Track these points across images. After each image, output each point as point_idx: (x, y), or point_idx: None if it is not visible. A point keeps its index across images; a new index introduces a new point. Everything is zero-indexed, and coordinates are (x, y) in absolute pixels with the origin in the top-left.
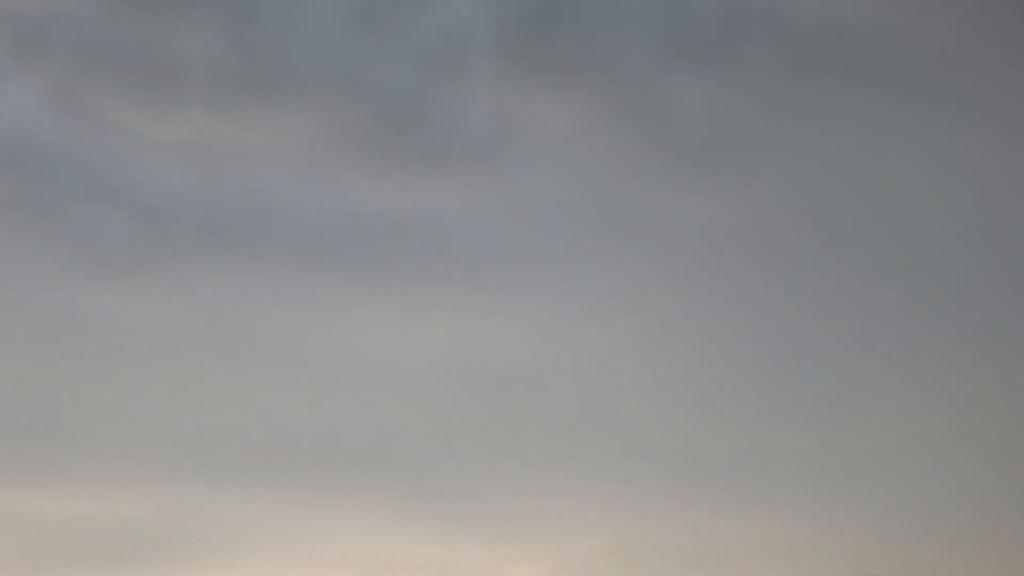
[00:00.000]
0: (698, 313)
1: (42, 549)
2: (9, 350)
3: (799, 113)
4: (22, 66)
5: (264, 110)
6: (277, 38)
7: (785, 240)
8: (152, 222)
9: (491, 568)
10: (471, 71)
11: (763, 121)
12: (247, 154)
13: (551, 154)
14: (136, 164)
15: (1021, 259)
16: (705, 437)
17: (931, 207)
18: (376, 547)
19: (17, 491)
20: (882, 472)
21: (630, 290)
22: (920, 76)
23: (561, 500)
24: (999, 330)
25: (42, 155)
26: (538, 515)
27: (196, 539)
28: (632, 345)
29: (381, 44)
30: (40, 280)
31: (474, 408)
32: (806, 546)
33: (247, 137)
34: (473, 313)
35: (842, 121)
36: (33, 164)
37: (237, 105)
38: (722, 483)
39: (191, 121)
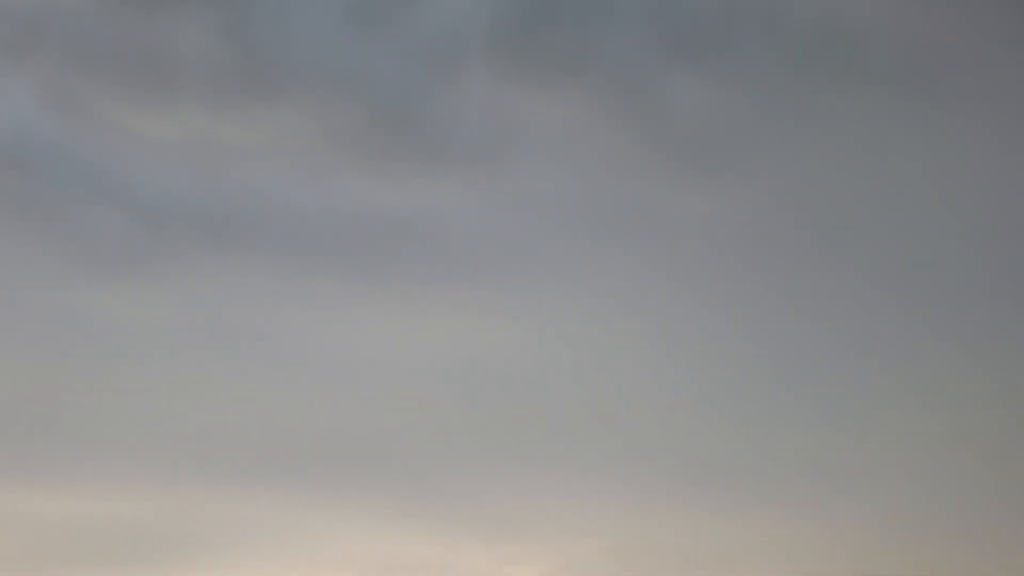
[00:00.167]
0: (697, 313)
1: (42, 549)
2: (8, 350)
3: (798, 112)
4: (17, 63)
5: (261, 109)
6: (273, 36)
7: (784, 239)
8: (150, 221)
9: (491, 568)
10: (468, 69)
11: (762, 120)
12: (244, 153)
13: (549, 153)
14: (133, 163)
15: (1021, 259)
16: (705, 437)
17: (930, 206)
18: (376, 547)
19: (17, 491)
20: (882, 472)
21: (629, 290)
22: (918, 74)
23: (561, 500)
24: (999, 330)
25: (38, 153)
26: (538, 515)
27: (196, 539)
28: (632, 345)
29: (378, 42)
30: (39, 280)
31: (474, 408)
32: (806, 546)
33: (244, 136)
34: (472, 313)
35: (841, 120)
36: (29, 163)
37: (234, 104)
38: (722, 483)
39: (188, 120)
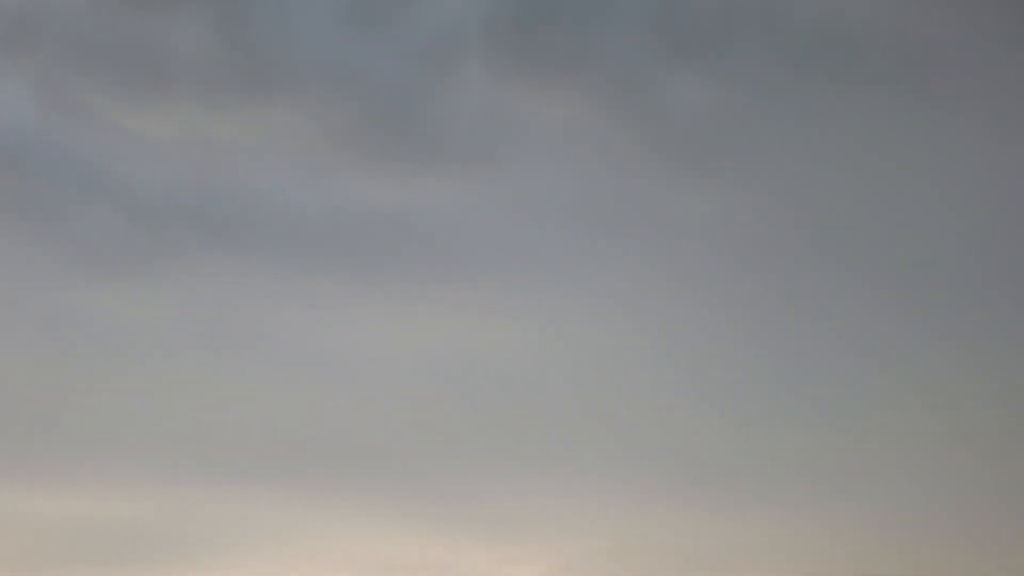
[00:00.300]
0: (697, 313)
1: (42, 549)
2: (6, 350)
3: (797, 112)
4: (14, 63)
5: (259, 108)
6: (271, 35)
7: (784, 239)
8: (147, 221)
9: (491, 568)
10: (467, 69)
11: (761, 120)
12: (242, 152)
13: (548, 152)
14: (130, 162)
15: (1020, 258)
16: (704, 437)
17: (929, 205)
18: (376, 547)
19: (17, 491)
20: (881, 472)
21: (629, 289)
22: (917, 75)
23: (560, 500)
24: (999, 330)
25: (35, 153)
26: (538, 515)
27: (196, 539)
28: (631, 345)
29: (376, 41)
30: (37, 280)
31: (474, 408)
32: (805, 546)
33: (242, 135)
34: (472, 313)
35: (840, 120)
36: (26, 162)
37: (232, 102)
38: (721, 483)
39: (185, 119)
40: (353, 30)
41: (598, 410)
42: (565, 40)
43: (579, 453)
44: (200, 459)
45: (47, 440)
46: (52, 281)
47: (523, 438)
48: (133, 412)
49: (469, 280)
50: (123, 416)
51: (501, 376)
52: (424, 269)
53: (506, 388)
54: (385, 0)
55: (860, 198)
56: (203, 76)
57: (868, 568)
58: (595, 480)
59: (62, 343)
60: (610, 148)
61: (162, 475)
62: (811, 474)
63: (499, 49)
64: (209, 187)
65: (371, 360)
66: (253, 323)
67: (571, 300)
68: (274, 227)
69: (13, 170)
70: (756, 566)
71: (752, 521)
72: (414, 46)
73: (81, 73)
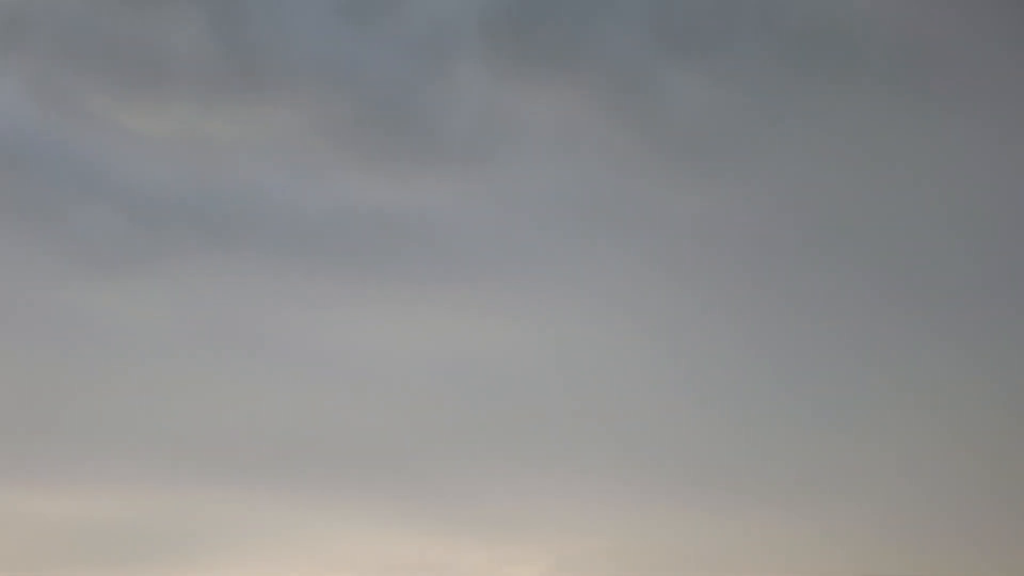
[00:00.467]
0: (696, 312)
1: (42, 549)
2: (3, 350)
3: (795, 110)
4: (7, 60)
5: (254, 105)
6: (266, 32)
7: (782, 238)
8: (143, 219)
9: (490, 568)
10: (463, 66)
11: (759, 118)
12: (237, 150)
13: (545, 150)
14: (126, 160)
15: (1019, 257)
16: (703, 437)
17: (928, 204)
18: (375, 547)
19: (17, 491)
20: (881, 472)
21: (627, 288)
22: (916, 73)
23: (560, 500)
24: (998, 329)
25: (30, 151)
26: (537, 515)
27: (195, 539)
28: (630, 344)
29: (371, 38)
30: (33, 279)
31: (473, 408)
32: (804, 546)
33: (237, 132)
34: (469, 312)
35: (838, 118)
36: (21, 160)
37: (227, 100)
38: (720, 483)
39: (180, 116)
40: (350, 28)
41: (597, 410)
42: (563, 38)
43: (578, 453)
44: (199, 459)
45: (46, 440)
46: (49, 280)
47: (522, 438)
48: (132, 412)
49: (467, 279)
50: (122, 416)
51: (500, 375)
52: (422, 268)
53: (505, 387)
54: None
55: (859, 197)
56: (200, 74)
57: (868, 568)
58: (595, 480)
59: (60, 342)
60: (608, 147)
61: (161, 475)
62: (811, 474)
63: (497, 47)
64: (206, 186)
65: (370, 359)
66: (251, 322)
67: (570, 299)
68: (272, 226)
69: (9, 169)
70: (756, 566)
71: (752, 521)
72: (412, 44)
73: (77, 72)
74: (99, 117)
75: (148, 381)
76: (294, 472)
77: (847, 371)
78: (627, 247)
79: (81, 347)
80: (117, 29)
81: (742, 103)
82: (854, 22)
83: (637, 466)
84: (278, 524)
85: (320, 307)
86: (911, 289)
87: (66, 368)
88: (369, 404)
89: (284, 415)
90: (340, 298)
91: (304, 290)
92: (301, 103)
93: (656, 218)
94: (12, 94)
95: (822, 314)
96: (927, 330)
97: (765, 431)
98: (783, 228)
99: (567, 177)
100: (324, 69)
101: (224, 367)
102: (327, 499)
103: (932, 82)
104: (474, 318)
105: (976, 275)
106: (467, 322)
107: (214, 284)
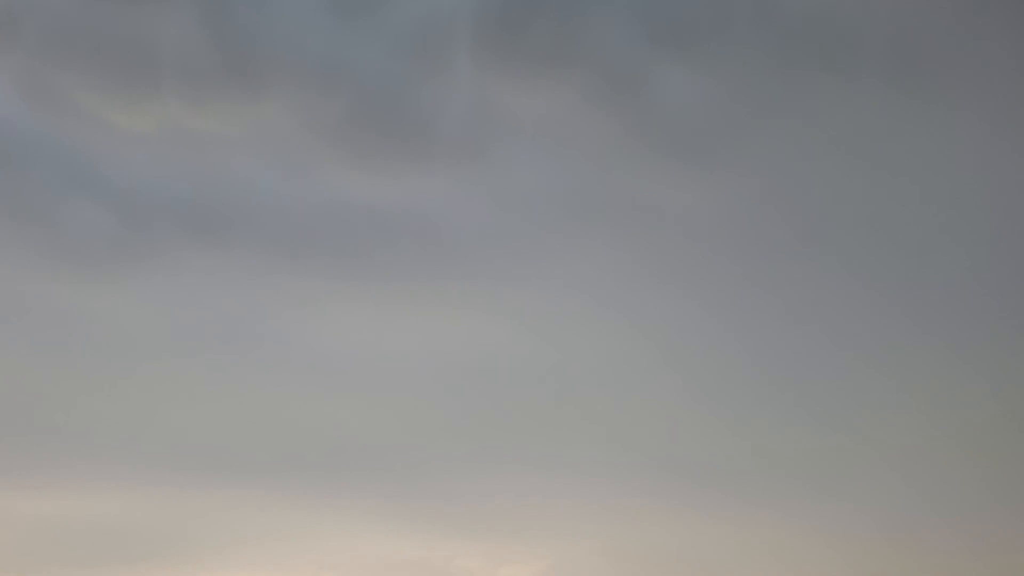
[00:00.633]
0: (691, 311)
1: (42, 549)
2: None
3: (788, 105)
4: None
5: (242, 101)
6: (255, 27)
7: (775, 233)
8: (132, 216)
9: (486, 568)
10: (453, 61)
11: (751, 113)
12: (226, 146)
13: (536, 146)
14: (114, 157)
15: (1015, 253)
16: (699, 439)
17: (922, 199)
18: (372, 547)
19: (14, 491)
20: (877, 473)
21: (620, 285)
22: (911, 67)
23: (556, 501)
24: (996, 328)
25: (16, 148)
26: (533, 516)
27: (194, 539)
28: (624, 343)
29: (361, 33)
30: (23, 278)
31: (468, 407)
32: (800, 548)
33: (226, 129)
34: (461, 309)
35: (832, 113)
36: (8, 158)
37: (215, 96)
38: (716, 485)
39: (168, 113)
40: (340, 23)
41: (593, 409)
42: (554, 33)
43: (573, 454)
44: (196, 459)
45: (42, 440)
46: (39, 279)
47: (518, 438)
48: (127, 411)
49: (460, 276)
50: (117, 415)
51: (495, 375)
52: (415, 265)
53: (500, 387)
54: None
55: (852, 193)
56: (190, 72)
57: (864, 570)
58: (591, 481)
59: (48, 341)
60: (600, 143)
61: (159, 475)
62: (807, 476)
63: (489, 44)
64: (196, 183)
65: (364, 357)
66: (243, 320)
67: (564, 296)
68: (263, 223)
69: None
70: (752, 568)
71: (748, 523)
72: (404, 41)
73: (66, 69)
74: (88, 114)
75: (139, 380)
76: (290, 472)
77: (843, 371)
78: (620, 243)
79: (70, 345)
80: (106, 26)
81: (735, 99)
82: (848, 16)
83: (634, 467)
84: (274, 524)
85: (312, 304)
86: (907, 288)
87: (55, 367)
88: (366, 403)
89: (280, 414)
90: (332, 295)
91: (296, 287)
92: (292, 100)
93: (649, 214)
94: (0, 92)
95: (817, 312)
96: (924, 329)
97: (761, 432)
98: (777, 224)
99: (560, 173)
100: (316, 66)
101: (216, 366)
102: (323, 499)
103: (927, 76)
104: (466, 316)
105: (971, 272)
106: (459, 320)
107: (205, 282)
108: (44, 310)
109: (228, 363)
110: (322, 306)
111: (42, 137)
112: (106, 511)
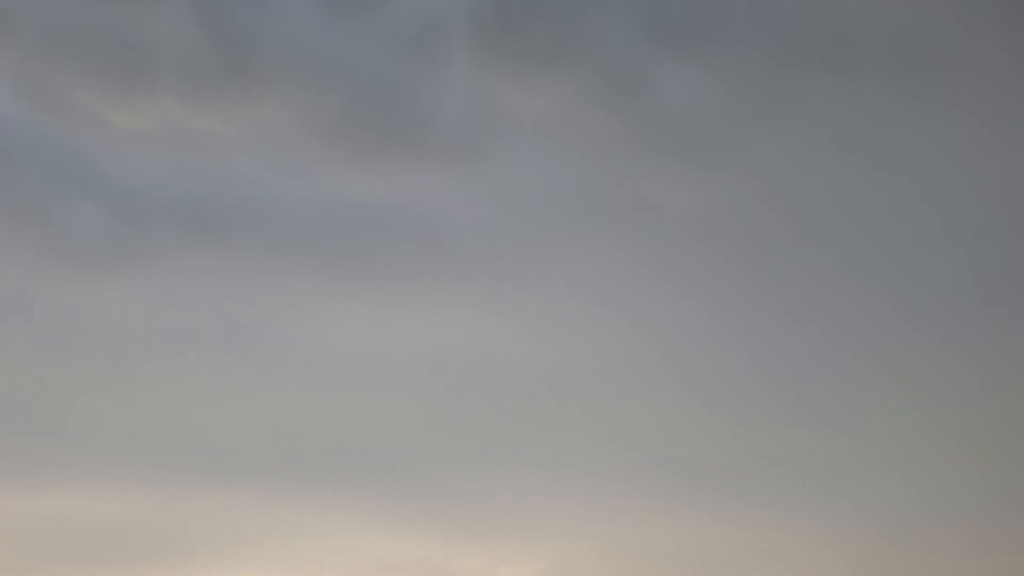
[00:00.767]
0: (690, 311)
1: (42, 549)
2: None
3: (788, 104)
4: None
5: (239, 99)
6: (252, 25)
7: (774, 233)
8: (130, 215)
9: (485, 568)
10: (451, 59)
11: (751, 112)
12: (223, 144)
13: (533, 144)
14: (111, 156)
15: (1015, 253)
16: (699, 439)
17: (921, 198)
18: (371, 547)
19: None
20: (877, 473)
21: (619, 285)
22: (910, 66)
23: (555, 501)
24: (996, 328)
25: (13, 146)
26: (532, 516)
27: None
28: (623, 343)
29: (358, 31)
30: (20, 277)
31: (466, 407)
32: (800, 548)
33: (223, 127)
34: (459, 308)
35: (831, 112)
36: (4, 156)
37: (212, 94)
38: (715, 485)
39: (165, 111)
40: (338, 22)
41: (592, 410)
42: (553, 32)
43: (572, 454)
44: (194, 459)
45: (38, 440)
46: (36, 278)
47: (518, 438)
48: (125, 411)
49: (457, 275)
50: (114, 415)
51: (495, 375)
52: (412, 264)
53: (500, 387)
54: None
55: (852, 192)
56: (187, 71)
57: (864, 570)
58: (591, 481)
59: (47, 340)
60: (598, 142)
61: (158, 475)
62: (807, 476)
63: (486, 42)
64: (194, 182)
65: (362, 357)
66: (240, 319)
67: (562, 295)
68: (261, 222)
69: None
70: (752, 568)
71: (747, 523)
72: (400, 40)
73: (61, 66)
74: (86, 114)
75: (138, 379)
76: (291, 472)
77: (843, 371)
78: (620, 243)
79: (68, 345)
80: (104, 25)
81: (734, 98)
82: (847, 14)
83: (633, 467)
84: (276, 524)
85: (310, 304)
86: (907, 288)
87: (54, 366)
88: (365, 403)
89: (278, 413)
90: (330, 295)
91: (294, 286)
92: (290, 99)
93: (649, 213)
94: None
95: (815, 311)
96: (924, 329)
97: (761, 432)
98: (777, 224)
99: (559, 172)
100: (314, 65)
101: (214, 364)
102: (322, 499)
103: (927, 75)
104: (463, 315)
105: (972, 273)
106: (456, 319)
107: (203, 281)
108: (42, 310)
109: (226, 362)
110: (321, 305)
111: (40, 136)
112: (106, 511)
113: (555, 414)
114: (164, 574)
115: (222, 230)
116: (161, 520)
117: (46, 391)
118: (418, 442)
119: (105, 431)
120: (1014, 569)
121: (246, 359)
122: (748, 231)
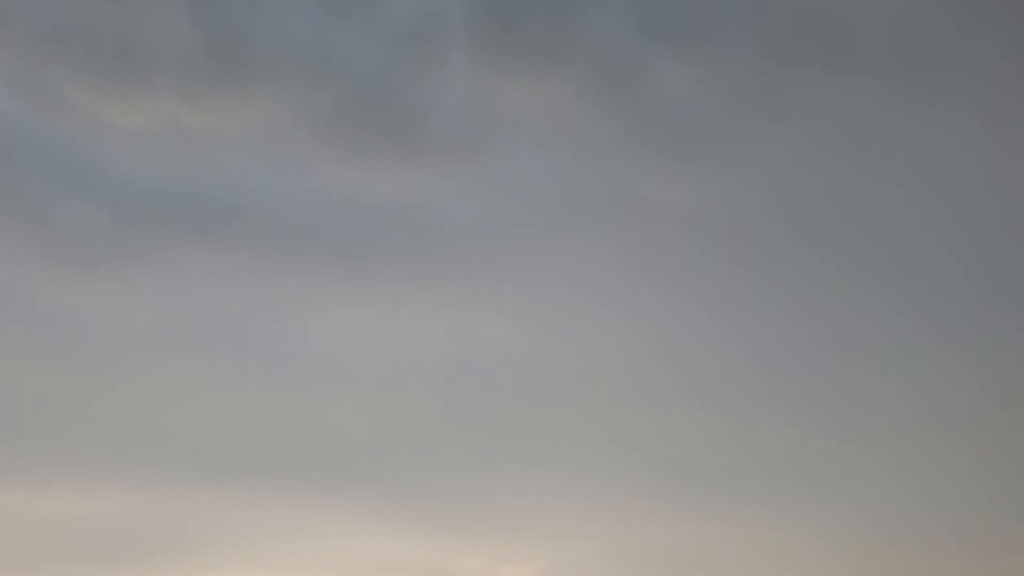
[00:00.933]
0: (688, 310)
1: (42, 549)
2: None
3: (786, 102)
4: None
5: (236, 98)
6: (247, 21)
7: (772, 232)
8: (126, 213)
9: (485, 568)
10: (448, 56)
11: (749, 110)
12: (219, 142)
13: (531, 142)
14: (106, 153)
15: (1014, 253)
16: (699, 438)
17: (918, 197)
18: (367, 548)
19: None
20: (876, 474)
21: (618, 283)
22: (909, 65)
23: (552, 501)
24: (995, 328)
25: (7, 144)
26: (531, 516)
27: (193, 539)
28: (621, 342)
29: (355, 28)
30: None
31: (464, 406)
32: (799, 548)
33: (219, 124)
34: (457, 307)
35: (829, 111)
36: None
37: (208, 92)
38: (714, 485)
39: (161, 108)
40: (334, 19)
41: (591, 409)
42: (550, 30)
43: (570, 454)
44: (196, 459)
45: (38, 440)
46: (32, 276)
47: (516, 438)
48: (123, 410)
49: (454, 274)
50: (113, 415)
51: (492, 374)
52: (409, 262)
53: (500, 387)
54: None
55: (850, 192)
56: (183, 67)
57: (864, 570)
58: (586, 481)
59: (43, 339)
60: (597, 140)
61: (157, 475)
62: (807, 476)
63: (484, 39)
64: (190, 179)
65: (358, 356)
66: (238, 318)
67: (559, 294)
68: (258, 220)
69: None
70: (752, 568)
71: (748, 523)
72: (397, 36)
73: (57, 64)
74: (82, 112)
75: (136, 379)
76: (291, 472)
77: (843, 371)
78: (618, 241)
79: (66, 344)
80: (100, 23)
81: (732, 95)
82: (846, 12)
83: (633, 467)
84: (275, 524)
85: (308, 302)
86: (907, 288)
87: (51, 366)
88: (364, 403)
89: (277, 413)
90: (328, 293)
91: (292, 285)
92: (286, 96)
93: (646, 211)
94: None
95: (813, 311)
96: (924, 329)
97: (761, 432)
98: (775, 223)
99: (557, 170)
100: (309, 61)
101: (213, 363)
102: (320, 499)
103: (927, 74)
104: (462, 314)
105: (969, 271)
106: (455, 318)
107: (200, 279)
108: (38, 308)
109: (224, 361)
110: (318, 304)
111: (35, 134)
112: (106, 511)
113: (555, 414)
114: (164, 574)
115: (219, 227)
116: (161, 520)
117: (44, 390)
118: (418, 442)
119: (104, 430)
120: (1014, 569)
121: (244, 357)
122: (747, 230)
